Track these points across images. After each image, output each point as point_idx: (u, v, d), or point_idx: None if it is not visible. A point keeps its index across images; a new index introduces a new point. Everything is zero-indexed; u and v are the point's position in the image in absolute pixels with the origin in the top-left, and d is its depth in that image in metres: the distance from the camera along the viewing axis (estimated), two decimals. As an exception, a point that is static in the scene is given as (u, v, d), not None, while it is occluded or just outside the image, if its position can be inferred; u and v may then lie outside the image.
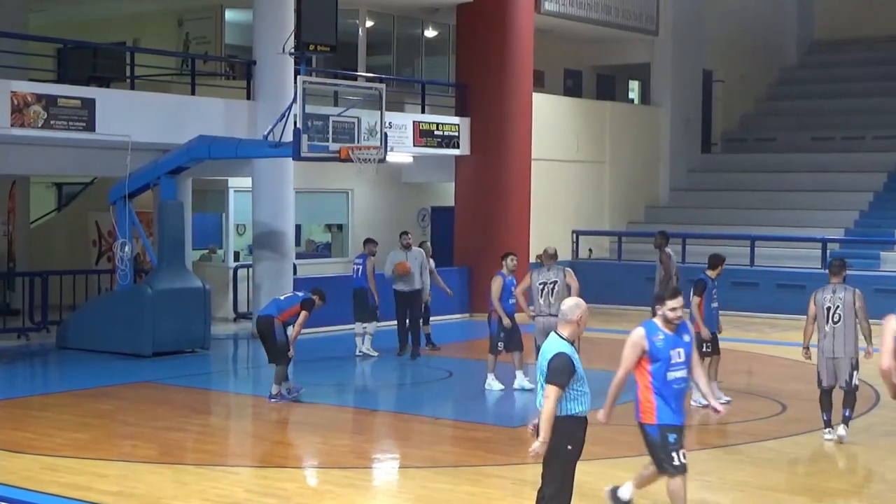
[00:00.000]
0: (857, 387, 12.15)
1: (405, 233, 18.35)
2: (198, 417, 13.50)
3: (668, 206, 29.96)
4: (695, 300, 13.86)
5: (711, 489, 10.27)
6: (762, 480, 10.63)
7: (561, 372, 7.73)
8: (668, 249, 17.04)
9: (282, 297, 14.75)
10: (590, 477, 10.62)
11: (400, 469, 11.37)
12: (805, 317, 12.37)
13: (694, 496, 10.06)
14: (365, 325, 18.09)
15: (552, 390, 7.72)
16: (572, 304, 8.01)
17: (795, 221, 26.75)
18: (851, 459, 11.81)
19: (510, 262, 14.89)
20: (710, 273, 14.17)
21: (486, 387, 14.89)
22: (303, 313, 14.05)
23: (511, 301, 14.84)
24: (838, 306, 11.97)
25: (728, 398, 13.90)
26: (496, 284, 14.73)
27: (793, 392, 14.94)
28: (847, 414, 12.18)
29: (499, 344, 14.81)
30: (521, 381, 14.81)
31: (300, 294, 14.44)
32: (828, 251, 24.45)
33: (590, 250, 27.22)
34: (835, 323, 11.97)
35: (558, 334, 7.94)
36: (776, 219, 27.17)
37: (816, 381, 12.33)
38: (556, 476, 7.96)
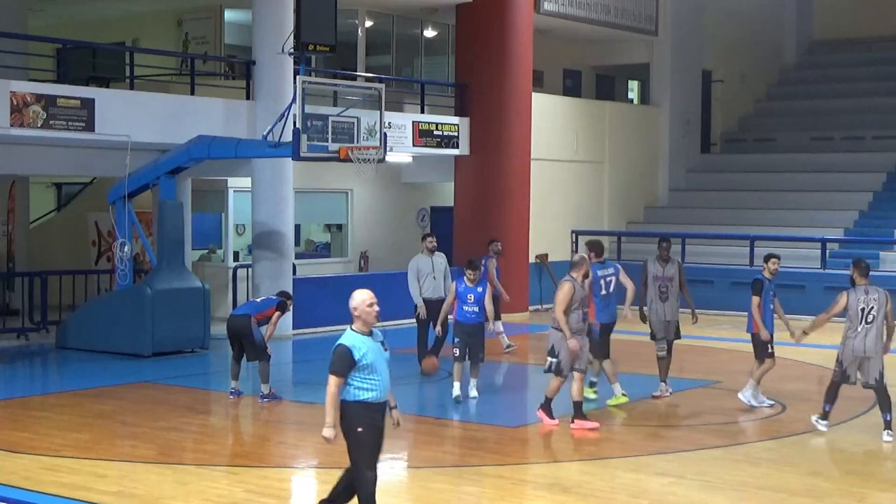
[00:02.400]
0: (886, 385, 12.32)
1: (430, 235, 17.21)
2: (198, 417, 13.50)
3: (668, 206, 29.96)
4: (754, 300, 13.59)
5: (711, 489, 10.26)
6: (762, 480, 10.63)
7: (335, 362, 8.16)
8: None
9: (258, 300, 15.23)
10: (590, 477, 10.64)
11: (400, 469, 11.36)
12: (829, 310, 12.50)
13: (694, 496, 10.06)
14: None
15: (331, 379, 8.15)
16: (354, 297, 8.42)
17: (795, 221, 26.75)
18: (852, 459, 11.81)
19: (470, 273, 14.31)
20: (765, 273, 13.82)
21: (452, 393, 14.35)
22: (277, 314, 14.46)
23: (466, 308, 14.23)
24: (872, 307, 12.18)
25: (772, 401, 13.72)
26: (451, 290, 14.63)
27: (793, 392, 14.94)
28: (888, 418, 12.26)
29: (455, 350, 14.32)
30: (471, 389, 14.42)
31: (274, 297, 14.78)
32: (827, 251, 24.45)
33: (589, 250, 27.18)
34: (868, 323, 12.16)
35: (351, 327, 8.37)
36: (776, 219, 27.17)
37: (836, 374, 12.42)
38: (353, 461, 8.37)
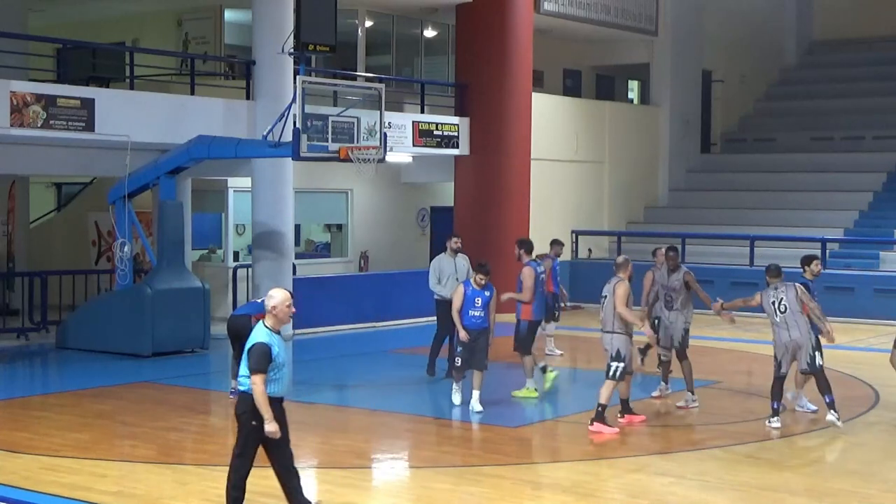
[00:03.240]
0: (821, 367, 12.75)
1: (455, 235, 16.72)
2: (198, 417, 13.50)
3: (668, 206, 29.96)
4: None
5: (711, 489, 10.26)
6: (762, 480, 10.63)
7: (260, 361, 8.51)
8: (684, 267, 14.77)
9: (258, 301, 15.04)
10: (590, 477, 10.64)
11: (400, 469, 11.37)
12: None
13: (694, 496, 10.07)
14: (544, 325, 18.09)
15: (257, 378, 8.52)
16: (269, 297, 8.72)
17: (795, 221, 26.75)
18: (851, 459, 11.81)
19: (478, 278, 13.54)
20: (806, 275, 13.60)
21: (452, 399, 13.88)
22: None
23: (472, 313, 13.51)
24: (781, 299, 12.83)
25: (815, 407, 13.49)
26: (458, 294, 13.66)
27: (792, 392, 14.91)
28: (829, 400, 12.59)
29: (456, 359, 13.68)
30: (474, 403, 13.48)
31: None
32: (827, 251, 24.46)
33: (589, 250, 27.22)
34: (782, 313, 12.82)
35: (264, 324, 8.66)
36: (776, 219, 27.17)
37: (775, 369, 12.84)
38: (239, 444, 8.78)
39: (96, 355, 17.78)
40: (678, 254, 14.71)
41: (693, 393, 14.02)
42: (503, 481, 10.46)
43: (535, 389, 14.57)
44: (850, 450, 12.17)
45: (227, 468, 8.94)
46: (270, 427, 8.62)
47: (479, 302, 13.54)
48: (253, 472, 10.81)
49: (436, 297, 16.17)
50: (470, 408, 13.44)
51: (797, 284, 12.98)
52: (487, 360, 13.76)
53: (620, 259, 13.23)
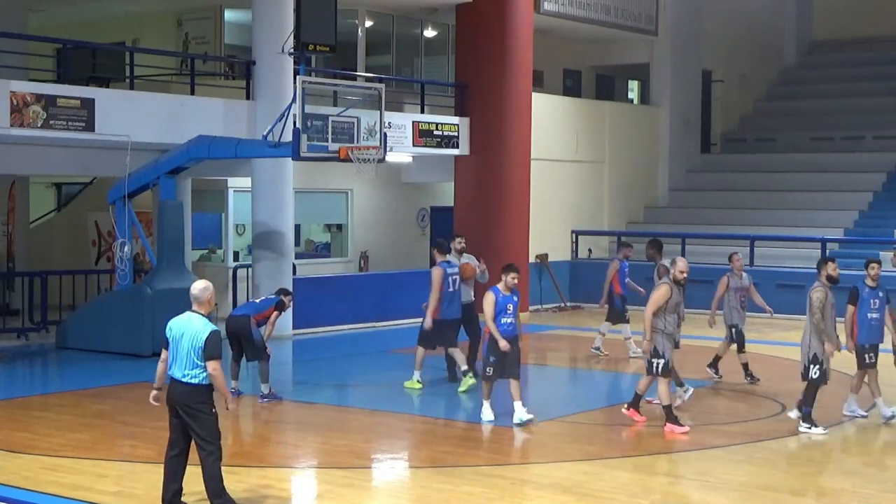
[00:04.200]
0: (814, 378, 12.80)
1: (458, 235, 16.31)
2: (197, 417, 13.48)
3: (668, 206, 29.96)
4: (849, 309, 13.09)
5: (711, 489, 10.26)
6: (762, 480, 10.63)
7: (219, 347, 9.00)
8: (665, 262, 14.60)
9: (257, 301, 15.21)
10: (590, 477, 10.64)
11: (400, 469, 11.37)
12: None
13: (694, 496, 10.07)
14: (616, 326, 18.11)
15: (217, 364, 8.99)
16: (202, 287, 9.18)
17: (795, 221, 26.76)
18: (851, 459, 11.82)
19: (510, 279, 12.79)
20: (868, 280, 13.20)
21: (481, 416, 13.06)
22: (275, 314, 14.44)
23: (505, 320, 12.80)
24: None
25: (865, 413, 13.40)
26: (489, 301, 12.78)
27: (793, 392, 14.90)
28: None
29: (488, 369, 12.89)
30: (519, 413, 12.80)
31: (273, 297, 14.75)
32: (827, 251, 24.45)
33: (589, 250, 27.22)
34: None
35: (199, 313, 9.16)
36: (776, 219, 27.17)
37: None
38: (210, 435, 9.17)
39: (96, 355, 17.78)
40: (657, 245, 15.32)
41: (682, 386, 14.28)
42: (503, 481, 10.46)
43: (419, 381, 15.14)
44: (849, 450, 12.17)
45: (225, 468, 8.95)
46: (233, 406, 9.34)
47: (511, 308, 12.79)
48: (253, 472, 10.84)
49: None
50: (517, 420, 12.68)
51: (812, 289, 12.73)
52: (519, 368, 13.05)
53: (668, 261, 13.38)
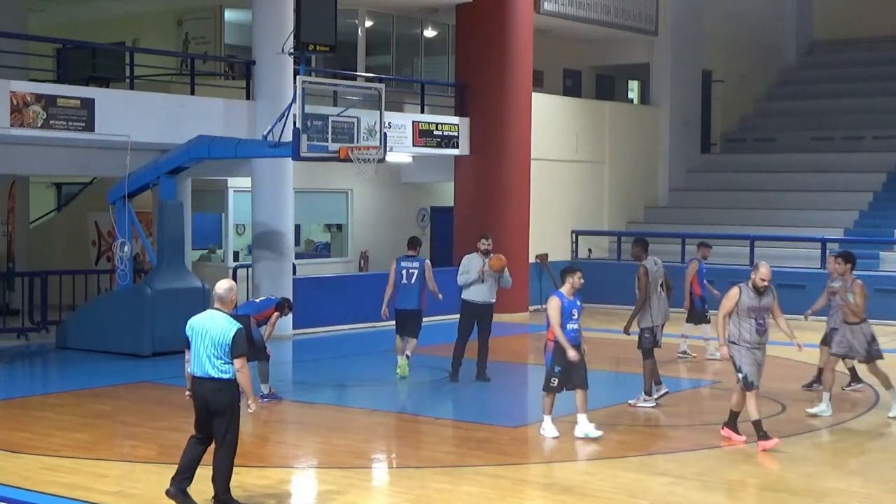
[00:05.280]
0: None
1: (484, 236, 15.89)
2: (197, 417, 13.48)
3: (668, 206, 29.96)
4: None
5: (711, 489, 10.26)
6: (762, 480, 10.63)
7: (245, 345, 9.21)
8: (646, 262, 14.08)
9: (257, 301, 15.18)
10: (590, 477, 10.64)
11: (400, 469, 11.37)
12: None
13: (694, 496, 10.06)
14: (696, 327, 18.05)
15: (245, 361, 9.19)
16: (227, 287, 9.34)
17: (795, 221, 26.75)
18: (852, 459, 11.81)
19: (576, 280, 12.06)
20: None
21: (542, 432, 12.24)
22: (275, 315, 14.42)
23: (571, 326, 12.05)
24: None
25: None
26: (554, 308, 11.98)
27: (793, 392, 14.93)
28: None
29: (553, 380, 12.12)
30: (584, 427, 12.12)
31: (273, 298, 14.78)
32: (827, 251, 24.43)
33: (589, 250, 27.21)
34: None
35: (221, 310, 9.26)
36: (776, 219, 27.17)
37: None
38: (236, 431, 9.42)
39: (96, 355, 17.77)
40: (642, 244, 14.33)
41: (649, 394, 13.85)
42: (503, 481, 10.46)
43: (400, 366, 15.73)
44: (850, 450, 12.17)
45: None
46: (255, 407, 9.50)
47: (576, 314, 12.07)
48: (253, 472, 10.84)
49: (464, 298, 15.53)
50: (581, 434, 12.05)
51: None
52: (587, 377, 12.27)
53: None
